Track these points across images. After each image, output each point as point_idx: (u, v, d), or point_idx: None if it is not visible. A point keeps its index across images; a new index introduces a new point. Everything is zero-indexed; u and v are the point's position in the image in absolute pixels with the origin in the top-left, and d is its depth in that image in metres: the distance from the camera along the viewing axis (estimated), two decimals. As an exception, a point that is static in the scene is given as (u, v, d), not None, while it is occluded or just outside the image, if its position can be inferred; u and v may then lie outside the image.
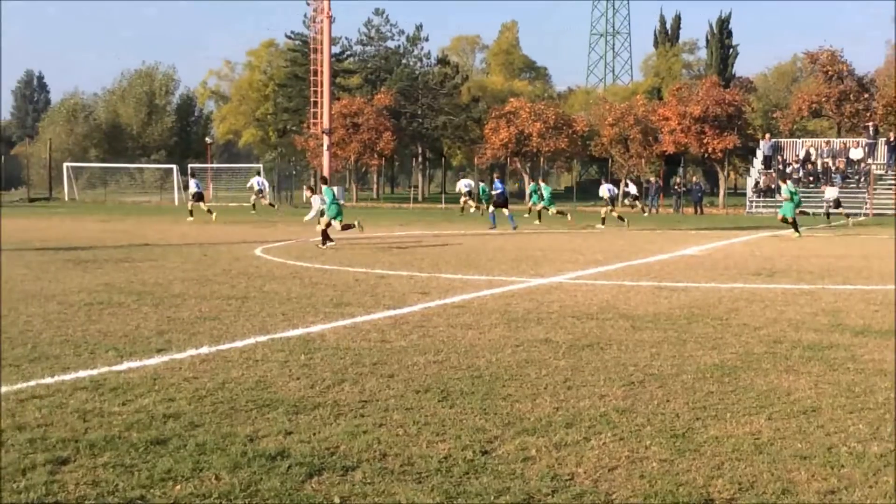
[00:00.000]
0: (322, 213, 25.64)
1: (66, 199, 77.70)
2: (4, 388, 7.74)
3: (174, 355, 9.27)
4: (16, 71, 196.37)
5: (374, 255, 22.35)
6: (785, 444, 6.42)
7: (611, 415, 7.12)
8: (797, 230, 31.63)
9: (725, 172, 75.95)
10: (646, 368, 8.83)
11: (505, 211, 36.74)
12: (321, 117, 76.18)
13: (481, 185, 44.68)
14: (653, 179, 69.32)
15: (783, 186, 33.54)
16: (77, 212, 52.56)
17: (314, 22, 79.72)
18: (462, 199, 48.33)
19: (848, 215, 49.27)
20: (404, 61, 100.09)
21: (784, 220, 31.80)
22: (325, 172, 73.82)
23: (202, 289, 14.84)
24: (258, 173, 57.04)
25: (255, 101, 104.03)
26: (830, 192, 51.88)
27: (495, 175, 41.57)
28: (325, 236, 24.99)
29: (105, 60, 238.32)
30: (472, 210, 45.58)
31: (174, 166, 77.11)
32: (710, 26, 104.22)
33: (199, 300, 13.45)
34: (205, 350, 9.55)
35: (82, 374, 8.34)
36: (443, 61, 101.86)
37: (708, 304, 13.53)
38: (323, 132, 75.99)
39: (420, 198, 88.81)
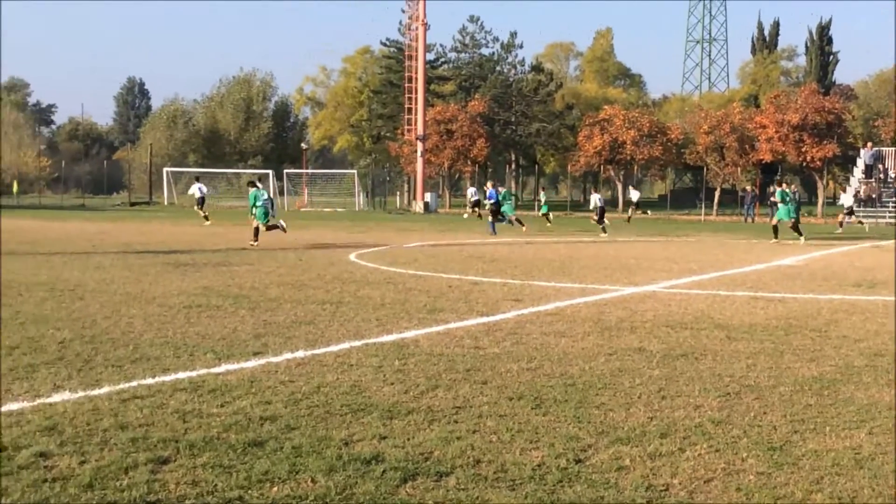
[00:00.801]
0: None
1: (166, 203, 79.19)
2: (106, 389, 7.93)
3: (270, 358, 9.40)
4: (118, 77, 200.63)
5: (468, 261, 22.40)
6: (886, 459, 6.30)
7: (706, 426, 7.05)
8: (800, 234, 32.65)
9: (824, 181, 74.69)
10: (742, 379, 8.72)
11: (490, 217, 37.92)
12: (415, 124, 76.79)
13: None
14: (749, 188, 68.36)
15: (777, 191, 33.88)
16: (176, 216, 53.53)
17: (409, 29, 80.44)
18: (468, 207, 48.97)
19: (861, 221, 48.32)
20: (498, 68, 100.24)
21: (775, 224, 32.84)
22: (419, 179, 74.50)
23: (298, 293, 15.02)
24: (197, 179, 57.56)
25: (350, 107, 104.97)
26: (845, 199, 50.58)
27: (489, 184, 41.86)
28: (256, 233, 26.98)
29: (204, 67, 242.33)
30: (465, 216, 46.20)
31: (270, 171, 78.12)
32: (810, 33, 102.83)
33: (295, 304, 13.62)
34: (300, 354, 9.67)
35: (182, 375, 8.50)
36: (537, 68, 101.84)
37: (806, 316, 13.32)
38: (417, 138, 76.65)
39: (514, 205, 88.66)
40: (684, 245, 30.76)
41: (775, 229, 33.23)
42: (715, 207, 72.50)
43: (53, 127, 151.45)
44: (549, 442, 6.52)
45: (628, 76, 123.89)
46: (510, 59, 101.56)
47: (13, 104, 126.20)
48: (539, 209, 42.27)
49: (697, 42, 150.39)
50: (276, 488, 5.51)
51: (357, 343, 10.40)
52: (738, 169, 74.29)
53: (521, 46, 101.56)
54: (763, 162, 73.31)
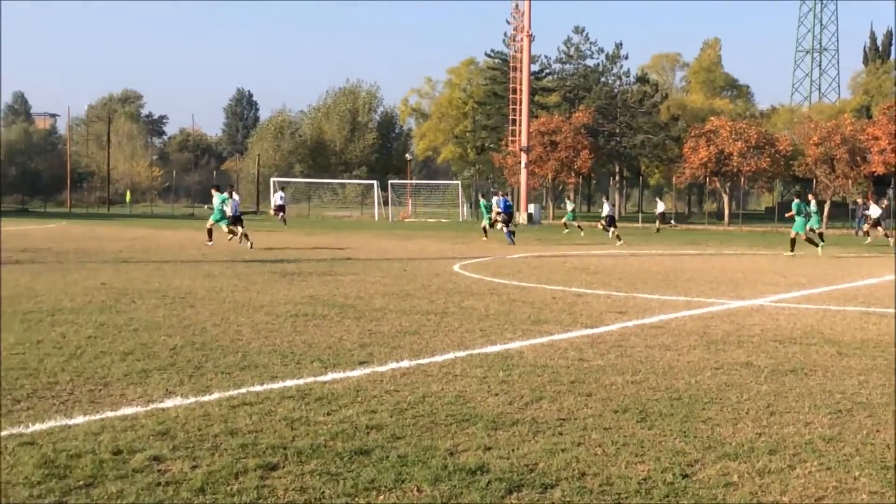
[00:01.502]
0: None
1: (272, 212, 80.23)
2: (216, 395, 8.09)
3: (376, 368, 9.49)
4: (228, 89, 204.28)
5: (571, 273, 22.32)
6: None
7: (816, 443, 6.93)
8: (817, 245, 32.62)
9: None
10: (853, 396, 8.55)
11: (506, 227, 38.13)
12: (519, 135, 76.76)
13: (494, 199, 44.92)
14: (860, 201, 66.89)
15: (794, 203, 33.52)
16: (282, 225, 54.23)
17: (514, 41, 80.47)
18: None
19: (887, 234, 46.91)
20: (603, 79, 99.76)
21: (793, 237, 32.19)
22: (523, 190, 74.43)
23: (402, 303, 15.13)
24: (282, 188, 58.60)
25: (455, 118, 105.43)
26: (874, 211, 49.05)
27: (500, 193, 42.33)
28: (210, 234, 30.69)
29: (311, 78, 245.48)
30: (566, 231, 46.40)
31: (375, 182, 78.77)
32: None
33: (400, 314, 13.72)
34: (405, 364, 9.74)
35: (289, 383, 8.62)
36: (642, 79, 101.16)
37: (919, 332, 12.99)
38: (521, 150, 76.61)
39: (617, 217, 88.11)
40: (792, 259, 30.22)
41: (811, 240, 32.95)
42: (825, 220, 71.15)
43: (165, 137, 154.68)
44: (654, 456, 6.47)
45: (735, 87, 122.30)
46: (615, 70, 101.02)
47: (127, 115, 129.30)
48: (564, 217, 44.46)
49: (807, 52, 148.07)
50: (382, 497, 5.56)
51: (461, 353, 10.44)
52: (849, 181, 72.80)
53: (626, 57, 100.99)
54: (875, 174, 71.70)
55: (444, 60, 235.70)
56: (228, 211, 31.30)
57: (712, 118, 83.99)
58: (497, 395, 8.32)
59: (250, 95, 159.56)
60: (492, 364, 9.80)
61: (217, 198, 31.37)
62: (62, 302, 14.31)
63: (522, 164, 76.34)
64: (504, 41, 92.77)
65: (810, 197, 36.92)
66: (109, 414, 7.33)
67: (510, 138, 78.74)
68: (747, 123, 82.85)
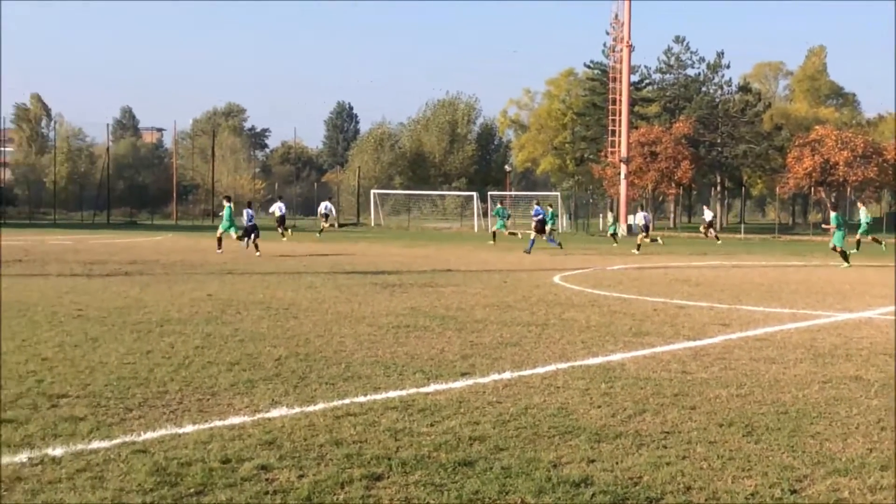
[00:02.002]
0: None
1: (373, 224, 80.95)
2: (321, 405, 8.19)
3: (478, 379, 9.52)
4: (328, 102, 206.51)
5: (673, 285, 22.11)
6: None
7: (929, 459, 6.77)
8: (846, 260, 31.11)
9: None
10: (967, 412, 8.33)
11: (543, 236, 38.69)
12: (619, 146, 76.31)
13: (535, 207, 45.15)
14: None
15: (832, 215, 32.61)
16: (382, 237, 54.68)
17: (613, 51, 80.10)
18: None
19: None
20: (704, 89, 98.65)
21: (834, 249, 31.56)
22: (623, 201, 73.95)
23: (503, 315, 15.14)
24: (329, 199, 59.12)
25: (554, 129, 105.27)
26: None
27: (535, 202, 42.72)
28: (219, 242, 33.60)
29: (410, 92, 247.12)
30: (661, 242, 46.41)
31: (474, 193, 78.95)
32: None
33: (501, 326, 13.74)
34: (507, 375, 9.76)
35: (392, 394, 8.70)
36: (744, 88, 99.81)
37: None
38: (620, 161, 76.15)
39: (718, 227, 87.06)
40: (849, 269, 29.57)
41: (844, 254, 31.75)
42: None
43: (267, 150, 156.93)
44: (762, 471, 6.39)
45: (841, 95, 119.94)
46: (716, 80, 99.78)
47: (230, 129, 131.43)
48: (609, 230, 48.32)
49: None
50: (486, 508, 5.58)
51: (563, 365, 10.43)
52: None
53: (727, 66, 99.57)
54: None
55: (543, 72, 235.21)
56: (244, 221, 35.00)
57: (817, 127, 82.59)
58: (600, 407, 8.29)
59: (350, 108, 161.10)
60: (594, 376, 9.77)
61: (226, 209, 35.24)
62: (170, 313, 14.62)
63: (622, 176, 75.86)
64: (603, 52, 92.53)
65: (860, 205, 36.17)
66: (217, 423, 7.47)
67: (610, 149, 78.31)
68: (853, 132, 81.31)
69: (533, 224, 39.22)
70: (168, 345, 11.39)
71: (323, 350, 11.21)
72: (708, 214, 58.05)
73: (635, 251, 40.35)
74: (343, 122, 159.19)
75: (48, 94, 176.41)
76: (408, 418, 7.75)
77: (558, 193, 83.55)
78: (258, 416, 7.75)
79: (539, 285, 21.12)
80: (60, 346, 11.14)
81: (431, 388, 9.03)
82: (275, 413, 7.84)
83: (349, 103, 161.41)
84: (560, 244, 37.95)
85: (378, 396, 8.57)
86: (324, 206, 54.32)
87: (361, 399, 8.44)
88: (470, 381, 9.39)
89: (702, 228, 57.80)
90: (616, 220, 48.82)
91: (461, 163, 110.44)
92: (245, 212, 36.08)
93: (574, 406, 8.31)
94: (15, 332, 12.26)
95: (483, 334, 12.84)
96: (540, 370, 10.10)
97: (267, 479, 6.02)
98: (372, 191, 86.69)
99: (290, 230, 46.74)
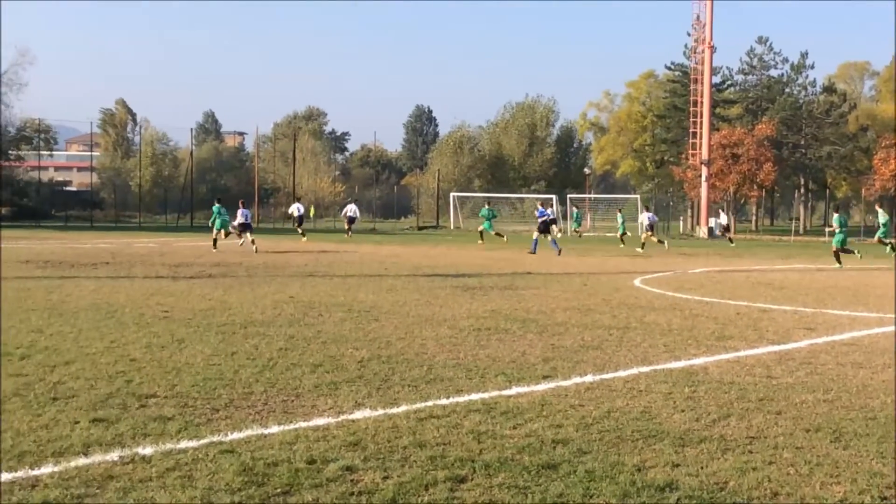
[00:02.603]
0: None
1: (452, 227, 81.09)
2: (404, 407, 8.24)
3: (560, 382, 9.51)
4: (407, 106, 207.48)
5: (755, 288, 21.85)
6: None
7: None
8: (839, 261, 31.68)
9: None
10: None
11: (548, 237, 38.59)
12: (700, 148, 75.61)
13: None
14: None
15: (834, 217, 33.40)
16: (462, 240, 54.75)
17: (695, 52, 79.37)
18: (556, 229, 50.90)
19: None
20: (788, 90, 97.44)
21: (836, 252, 32.17)
22: (704, 204, 73.23)
23: (584, 318, 15.10)
24: (354, 201, 59.35)
25: (634, 132, 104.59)
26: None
27: (539, 203, 43.67)
28: (215, 243, 36.38)
29: (489, 94, 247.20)
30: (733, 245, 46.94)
31: (553, 196, 78.72)
32: None
33: (582, 329, 13.70)
34: (589, 378, 9.73)
35: (475, 396, 8.72)
36: (829, 89, 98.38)
37: None
38: (701, 163, 75.44)
39: (801, 230, 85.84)
40: (842, 270, 28.97)
41: (837, 256, 32.17)
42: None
43: (347, 154, 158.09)
44: (850, 477, 6.30)
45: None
46: (800, 80, 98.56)
47: (311, 132, 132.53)
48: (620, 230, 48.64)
49: None
50: (570, 511, 5.58)
51: (645, 369, 10.37)
52: None
53: (811, 67, 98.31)
54: None
55: (623, 74, 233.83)
56: (239, 219, 37.79)
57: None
58: (683, 411, 8.23)
59: (430, 111, 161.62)
60: (677, 380, 9.70)
61: (215, 209, 38.12)
62: (253, 315, 14.80)
63: (703, 178, 75.15)
64: (685, 53, 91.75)
65: (877, 207, 39.06)
66: (302, 424, 7.56)
67: (690, 151, 77.65)
68: (943, 132, 79.67)
69: (537, 224, 39.58)
70: (252, 346, 11.54)
71: (405, 352, 11.28)
72: (723, 218, 58.02)
73: (639, 249, 41.94)
74: (422, 125, 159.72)
75: (134, 100, 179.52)
76: (490, 421, 7.77)
77: (638, 196, 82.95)
78: (342, 417, 7.82)
79: (619, 288, 21.01)
80: (148, 347, 11.34)
81: (513, 390, 9.05)
82: (358, 415, 7.91)
83: (428, 106, 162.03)
84: (560, 250, 37.07)
85: (460, 399, 8.61)
86: (350, 209, 55.82)
87: (444, 401, 8.48)
88: (552, 384, 9.39)
89: (718, 232, 58.03)
90: (625, 220, 49.30)
91: (540, 165, 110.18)
92: (240, 211, 38.67)
93: (657, 410, 8.27)
94: (104, 333, 12.51)
95: (564, 337, 12.82)
96: (622, 373, 10.07)
97: (352, 480, 6.08)
98: (451, 193, 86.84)
99: (304, 235, 48.50)
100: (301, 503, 5.65)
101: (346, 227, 56.24)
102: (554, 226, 42.32)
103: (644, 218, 45.57)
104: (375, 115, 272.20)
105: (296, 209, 50.57)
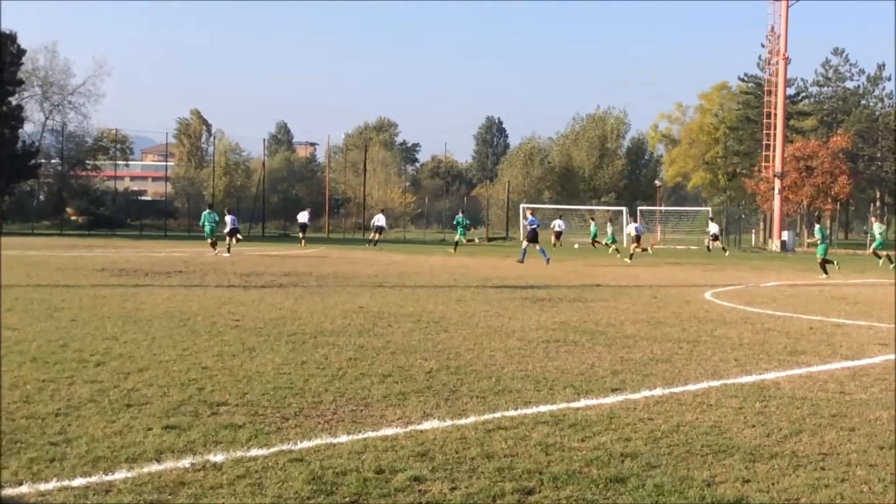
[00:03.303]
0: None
1: (522, 238, 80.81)
2: (472, 419, 8.25)
3: (629, 395, 9.46)
4: (477, 118, 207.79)
5: (829, 302, 21.55)
6: None
7: None
8: (825, 272, 32.38)
9: None
10: None
11: (536, 246, 38.79)
12: (773, 160, 74.87)
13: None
14: None
15: (815, 227, 34.70)
16: (531, 252, 54.59)
17: (769, 64, 78.61)
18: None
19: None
20: (864, 102, 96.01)
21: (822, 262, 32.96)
22: (777, 217, 72.40)
23: (653, 331, 15.00)
24: (382, 211, 62.56)
25: (705, 144, 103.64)
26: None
27: (529, 211, 43.71)
28: (213, 246, 40.05)
29: (560, 106, 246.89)
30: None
31: (623, 208, 78.34)
32: None
33: (651, 342, 13.61)
34: (658, 392, 9.68)
35: (543, 408, 8.71)
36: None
37: None
38: (775, 175, 74.64)
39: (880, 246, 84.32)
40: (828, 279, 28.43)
41: (823, 266, 32.96)
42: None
43: (417, 164, 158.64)
44: (925, 496, 6.20)
45: None
46: (877, 92, 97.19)
47: (382, 143, 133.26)
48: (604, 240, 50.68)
49: None
50: (639, 525, 5.54)
51: (715, 383, 10.28)
52: None
53: (888, 79, 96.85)
54: None
55: (694, 86, 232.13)
56: (228, 225, 41.47)
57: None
58: (754, 426, 8.15)
59: (500, 123, 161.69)
60: (747, 395, 9.60)
61: (204, 214, 41.23)
62: (323, 324, 14.91)
63: (776, 191, 74.33)
64: (758, 65, 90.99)
65: (873, 220, 37.39)
66: (371, 434, 7.60)
67: (763, 164, 76.89)
68: None
69: (527, 233, 40.24)
70: (322, 356, 11.62)
71: (473, 363, 11.29)
72: (713, 227, 57.88)
73: (627, 260, 42.53)
74: (492, 137, 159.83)
75: (208, 111, 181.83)
76: (559, 433, 7.75)
77: (709, 209, 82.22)
78: (410, 427, 7.85)
79: (690, 301, 20.85)
80: (220, 356, 11.47)
81: (582, 403, 9.02)
82: (426, 425, 7.94)
83: (498, 118, 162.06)
84: (548, 259, 37.42)
85: (529, 410, 8.60)
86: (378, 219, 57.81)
87: (512, 413, 8.48)
88: (620, 397, 9.34)
89: (707, 241, 58.19)
90: (614, 231, 51.64)
91: (610, 177, 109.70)
92: (228, 218, 42.21)
93: (727, 425, 8.19)
94: (177, 341, 12.68)
95: (633, 350, 12.75)
96: (692, 387, 9.99)
97: (420, 491, 6.10)
98: (521, 205, 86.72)
99: (303, 241, 54.14)
100: (369, 512, 5.68)
101: (373, 235, 57.30)
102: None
103: (631, 229, 47.54)
104: (446, 126, 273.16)
105: (304, 216, 55.48)
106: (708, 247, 44.50)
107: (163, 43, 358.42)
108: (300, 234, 54.18)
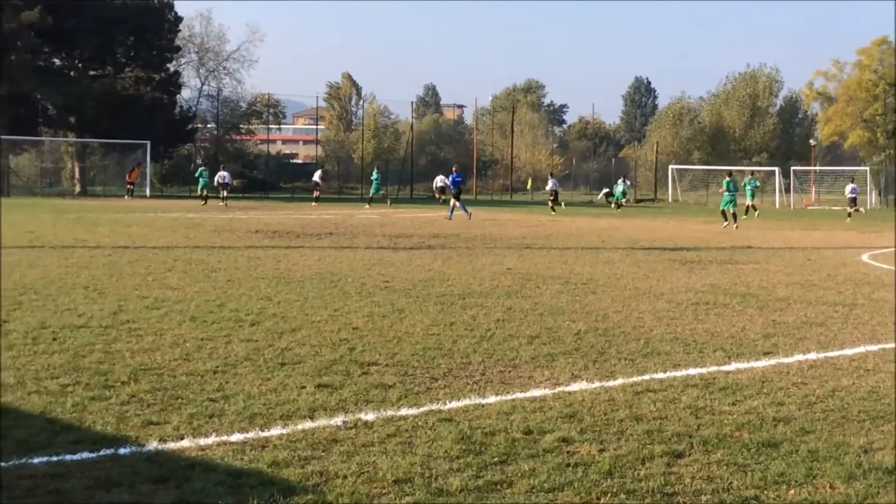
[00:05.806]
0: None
1: (670, 200, 79.87)
2: (620, 381, 8.21)
3: (781, 359, 9.29)
4: (626, 77, 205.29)
5: None
6: None
7: None
8: (726, 218, 36.34)
9: None
10: None
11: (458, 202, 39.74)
12: (936, 117, 71.93)
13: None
14: None
15: (724, 181, 37.90)
16: (680, 213, 53.89)
17: (931, 16, 75.52)
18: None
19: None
20: None
21: (723, 213, 36.92)
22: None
23: (807, 294, 14.66)
24: (443, 173, 62.64)
25: (864, 101, 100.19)
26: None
27: (455, 168, 45.26)
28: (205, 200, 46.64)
29: (713, 63, 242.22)
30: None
31: (776, 169, 76.53)
32: None
33: (805, 305, 13.31)
34: (812, 356, 9.47)
35: (692, 371, 8.62)
36: None
37: None
38: (937, 133, 71.77)
39: None
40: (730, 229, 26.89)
41: (724, 214, 36.78)
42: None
43: (565, 126, 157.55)
44: None
45: None
46: None
47: (529, 105, 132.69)
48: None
49: None
50: (792, 491, 5.46)
51: (873, 347, 10.02)
52: None
53: None
54: None
55: (853, 41, 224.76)
56: (221, 180, 47.82)
57: None
58: (915, 393, 7.91)
59: (648, 83, 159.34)
60: (908, 360, 9.32)
61: (199, 171, 48.83)
62: (471, 286, 14.99)
63: (939, 148, 71.57)
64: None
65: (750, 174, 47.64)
66: (519, 395, 7.64)
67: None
68: None
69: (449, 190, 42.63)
70: (470, 317, 11.70)
71: (622, 325, 11.23)
72: (620, 186, 61.25)
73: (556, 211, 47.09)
74: (641, 97, 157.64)
75: (359, 74, 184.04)
76: (708, 396, 7.67)
77: (867, 168, 79.69)
78: (558, 389, 7.87)
79: (846, 263, 20.28)
80: (370, 316, 11.65)
81: (732, 366, 8.90)
82: (575, 387, 7.94)
83: (647, 78, 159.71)
84: (470, 214, 38.97)
85: (678, 373, 8.52)
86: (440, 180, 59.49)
87: (661, 375, 8.42)
88: (773, 361, 9.18)
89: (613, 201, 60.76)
90: (611, 189, 53.57)
91: (762, 137, 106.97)
92: (220, 174, 48.08)
93: (886, 390, 7.98)
94: (328, 301, 12.92)
95: (786, 313, 12.49)
96: (848, 352, 9.76)
97: (568, 452, 6.12)
98: (670, 166, 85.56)
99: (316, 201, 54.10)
100: (518, 472, 5.71)
101: (437, 195, 59.18)
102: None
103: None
104: (594, 88, 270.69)
105: (318, 175, 57.21)
106: (849, 213, 43.68)
107: (315, 8, 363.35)
108: (314, 193, 55.03)
